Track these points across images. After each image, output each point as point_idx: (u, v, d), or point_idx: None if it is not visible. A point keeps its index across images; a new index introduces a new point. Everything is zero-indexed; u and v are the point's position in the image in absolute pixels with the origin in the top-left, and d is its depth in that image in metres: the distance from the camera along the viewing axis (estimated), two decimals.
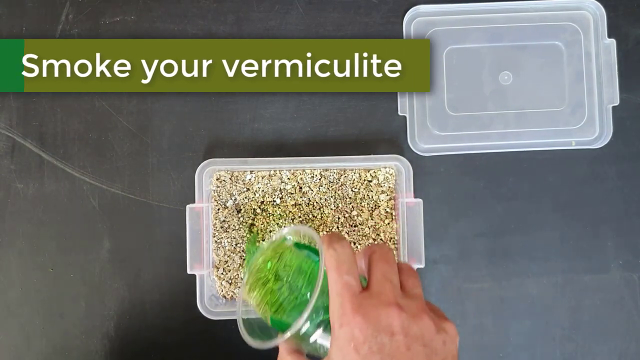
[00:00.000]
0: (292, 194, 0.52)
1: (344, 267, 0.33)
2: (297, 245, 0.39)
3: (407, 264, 0.36)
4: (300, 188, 0.52)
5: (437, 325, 0.32)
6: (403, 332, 0.31)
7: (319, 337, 0.34)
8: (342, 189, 0.52)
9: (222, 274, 0.52)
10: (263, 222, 0.52)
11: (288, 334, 0.33)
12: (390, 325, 0.31)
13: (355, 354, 0.31)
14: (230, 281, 0.52)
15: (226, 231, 0.52)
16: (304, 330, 0.34)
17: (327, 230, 0.52)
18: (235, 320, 0.52)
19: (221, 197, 0.52)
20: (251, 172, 0.52)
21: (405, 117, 0.54)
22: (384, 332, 0.31)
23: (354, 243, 0.52)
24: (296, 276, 0.37)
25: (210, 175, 0.52)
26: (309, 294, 0.36)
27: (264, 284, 0.38)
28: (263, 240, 0.52)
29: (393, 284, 0.33)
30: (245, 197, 0.52)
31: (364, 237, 0.52)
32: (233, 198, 0.52)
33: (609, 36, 0.54)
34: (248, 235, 0.52)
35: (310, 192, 0.52)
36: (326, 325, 0.34)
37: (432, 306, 0.35)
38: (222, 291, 0.52)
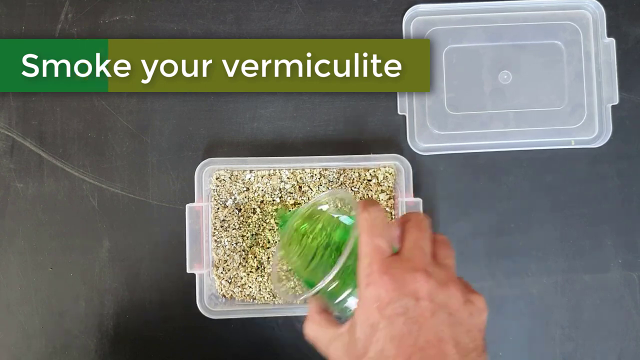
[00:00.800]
0: (291, 193, 0.52)
1: (376, 230, 0.33)
2: (334, 210, 0.40)
3: (442, 235, 0.35)
4: (300, 187, 0.52)
5: (465, 296, 0.32)
6: (429, 298, 0.30)
7: (346, 298, 0.35)
8: (341, 188, 0.52)
9: (221, 273, 0.52)
10: (262, 222, 0.52)
11: (316, 289, 0.34)
12: (416, 290, 0.31)
13: (379, 315, 0.30)
14: (229, 280, 0.52)
15: (226, 230, 0.52)
16: (331, 288, 0.34)
17: None
18: (235, 320, 0.52)
19: (221, 197, 0.52)
20: (251, 171, 0.52)
21: (404, 117, 0.54)
22: (410, 295, 0.30)
23: None
24: (331, 238, 0.38)
25: (210, 175, 0.52)
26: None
27: (301, 243, 0.39)
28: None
29: (424, 251, 0.33)
30: (245, 197, 0.52)
31: None
32: (233, 197, 0.52)
33: (609, 35, 0.54)
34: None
35: (310, 191, 0.52)
36: (354, 288, 0.34)
37: (462, 280, 0.34)
38: (221, 290, 0.52)
